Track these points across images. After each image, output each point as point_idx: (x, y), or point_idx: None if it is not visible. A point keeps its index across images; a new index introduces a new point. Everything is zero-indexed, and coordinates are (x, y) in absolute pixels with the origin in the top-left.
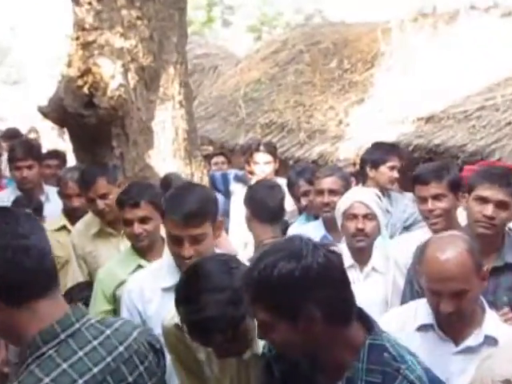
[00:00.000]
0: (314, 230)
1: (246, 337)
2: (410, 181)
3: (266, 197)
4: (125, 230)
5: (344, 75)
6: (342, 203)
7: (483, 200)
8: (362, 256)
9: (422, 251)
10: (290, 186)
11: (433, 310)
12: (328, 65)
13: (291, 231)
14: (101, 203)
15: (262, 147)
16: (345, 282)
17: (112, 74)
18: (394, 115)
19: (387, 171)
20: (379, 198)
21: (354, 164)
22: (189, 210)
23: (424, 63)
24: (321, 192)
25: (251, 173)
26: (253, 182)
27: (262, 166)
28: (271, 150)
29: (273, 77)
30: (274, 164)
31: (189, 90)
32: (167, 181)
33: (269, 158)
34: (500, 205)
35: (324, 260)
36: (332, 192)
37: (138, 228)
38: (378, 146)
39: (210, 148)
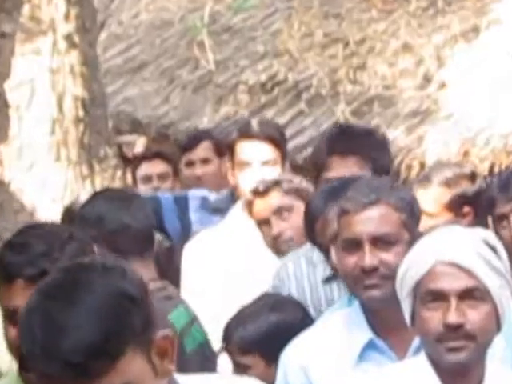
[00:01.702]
0: (354, 326)
1: None
2: None
3: (122, 224)
4: None
5: None
6: (411, 267)
7: None
8: (462, 379)
9: None
10: (311, 217)
11: None
12: None
13: (317, 332)
14: None
15: (255, 128)
16: None
17: None
18: None
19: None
20: (493, 248)
21: (473, 176)
22: (74, 349)
23: None
24: (356, 243)
25: (234, 188)
26: (237, 207)
27: (259, 169)
28: (274, 134)
29: None
30: (282, 165)
31: (88, 11)
32: (71, 217)
33: (270, 151)
34: None
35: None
36: (379, 241)
37: None
38: None
39: (140, 140)
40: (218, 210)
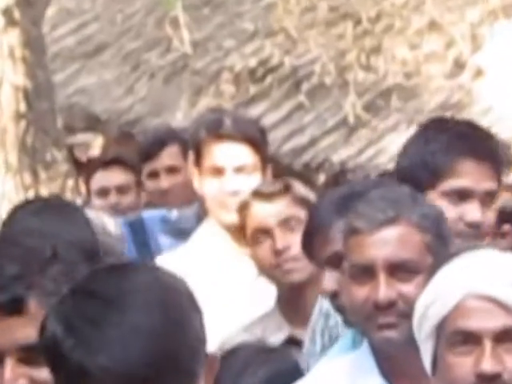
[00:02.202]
0: (361, 373)
1: None
2: None
3: (62, 241)
4: None
5: None
6: (435, 300)
7: None
8: None
9: None
10: (313, 228)
11: None
12: None
13: (318, 377)
14: None
15: (228, 125)
16: None
17: None
18: None
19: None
20: None
21: None
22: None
23: None
24: (368, 270)
25: (201, 200)
26: (206, 224)
27: (233, 176)
28: (253, 133)
29: None
30: (263, 171)
31: None
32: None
33: (248, 154)
34: None
35: None
36: (397, 269)
37: None
38: None
39: (97, 140)
40: (183, 233)
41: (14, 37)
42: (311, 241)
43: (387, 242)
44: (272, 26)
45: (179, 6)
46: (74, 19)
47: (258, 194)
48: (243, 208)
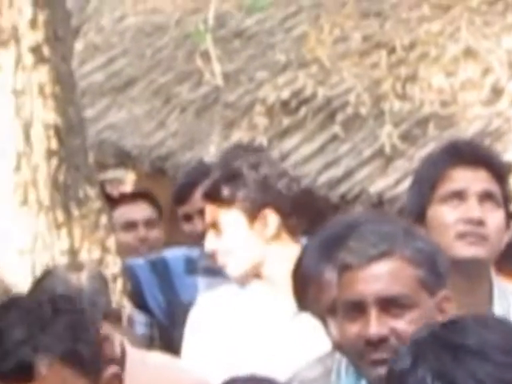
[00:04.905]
0: None
1: None
2: None
3: None
4: None
5: None
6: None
7: None
8: None
9: None
10: (302, 280)
11: None
12: None
13: None
14: None
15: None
16: None
17: None
18: None
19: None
20: None
21: None
22: None
23: None
24: (359, 307)
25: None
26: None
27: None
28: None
29: None
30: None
31: (60, 15)
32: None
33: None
34: None
35: None
36: (389, 305)
37: None
38: None
39: (129, 176)
40: (208, 271)
41: (43, 74)
42: (304, 294)
43: (378, 276)
44: (304, 57)
45: (209, 39)
46: (102, 54)
47: None
48: None
